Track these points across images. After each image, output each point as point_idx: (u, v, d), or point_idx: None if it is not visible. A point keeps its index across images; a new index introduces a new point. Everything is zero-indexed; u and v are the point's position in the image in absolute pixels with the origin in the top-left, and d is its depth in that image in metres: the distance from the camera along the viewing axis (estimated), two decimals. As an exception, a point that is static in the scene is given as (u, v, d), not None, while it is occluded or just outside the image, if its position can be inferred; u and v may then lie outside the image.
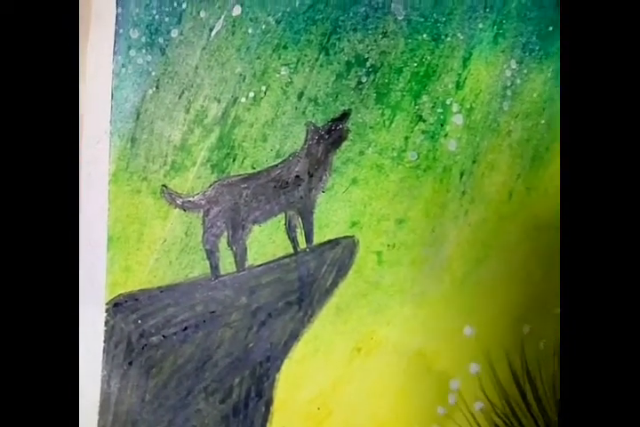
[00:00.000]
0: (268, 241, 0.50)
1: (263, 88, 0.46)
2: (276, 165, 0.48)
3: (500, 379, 0.60)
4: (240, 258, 0.49)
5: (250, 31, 0.45)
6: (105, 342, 0.47)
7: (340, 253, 0.52)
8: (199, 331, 0.49)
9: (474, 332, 0.58)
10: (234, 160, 0.47)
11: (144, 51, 0.43)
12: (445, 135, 0.52)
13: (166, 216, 0.46)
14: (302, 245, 0.51)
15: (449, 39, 0.50)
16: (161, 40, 0.43)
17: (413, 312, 0.56)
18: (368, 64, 0.48)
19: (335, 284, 0.53)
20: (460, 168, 0.54)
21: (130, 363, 0.48)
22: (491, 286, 0.58)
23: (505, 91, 0.53)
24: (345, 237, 0.52)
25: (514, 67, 0.53)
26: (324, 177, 0.50)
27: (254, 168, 0.48)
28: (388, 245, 0.53)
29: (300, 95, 0.47)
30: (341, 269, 0.52)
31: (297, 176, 0.49)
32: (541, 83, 0.54)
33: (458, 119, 0.52)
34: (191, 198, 0.47)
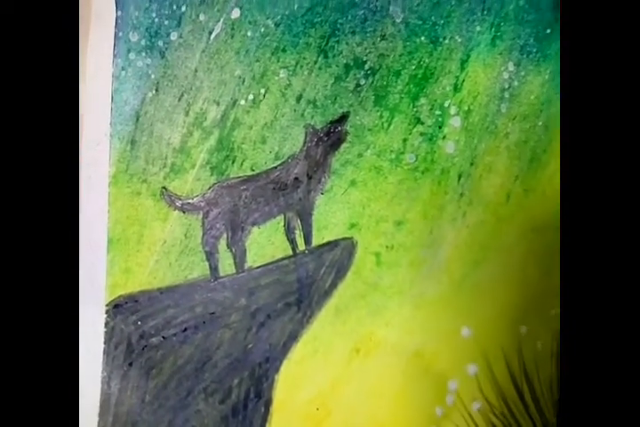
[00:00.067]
0: (267, 243, 0.50)
1: (262, 91, 0.46)
2: (275, 167, 0.48)
3: (498, 379, 0.60)
4: (239, 259, 0.49)
5: (249, 34, 0.45)
6: (105, 343, 0.47)
7: (339, 255, 0.52)
8: (199, 332, 0.49)
9: (472, 333, 0.58)
10: (233, 162, 0.47)
11: (144, 54, 0.43)
12: (443, 137, 0.52)
13: (166, 218, 0.46)
14: (301, 246, 0.51)
15: (447, 42, 0.50)
16: (160, 43, 0.43)
17: (412, 313, 0.56)
18: (366, 67, 0.49)
19: (334, 285, 0.53)
20: (458, 170, 0.54)
21: (130, 364, 0.48)
22: (488, 287, 0.58)
23: (502, 93, 0.53)
24: (344, 239, 0.52)
25: (511, 69, 0.53)
26: (322, 179, 0.50)
27: (253, 170, 0.48)
28: (387, 247, 0.53)
29: (299, 98, 0.48)
30: (340, 271, 0.52)
31: (296, 178, 0.49)
32: (539, 85, 0.54)
33: (456, 121, 0.52)
34: (191, 200, 0.47)
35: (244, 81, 0.46)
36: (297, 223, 0.50)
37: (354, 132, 0.50)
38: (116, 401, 0.48)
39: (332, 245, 0.52)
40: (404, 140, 0.52)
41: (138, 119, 0.44)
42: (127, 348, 0.48)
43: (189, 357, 0.49)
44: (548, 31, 0.54)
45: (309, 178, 0.50)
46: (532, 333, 0.60)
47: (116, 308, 0.47)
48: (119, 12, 0.42)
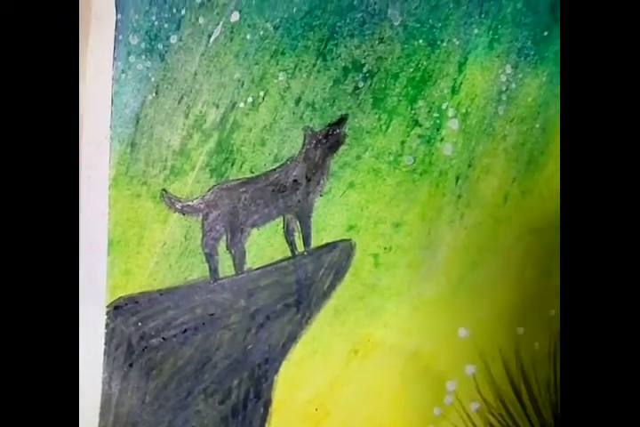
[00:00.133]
0: (266, 244, 0.50)
1: (261, 93, 0.47)
2: (275, 170, 0.48)
3: (496, 380, 0.60)
4: (239, 261, 0.49)
5: (248, 37, 0.45)
6: (105, 344, 0.47)
7: (338, 256, 0.52)
8: (198, 333, 0.49)
9: (470, 334, 0.58)
10: (232, 164, 0.47)
11: (143, 57, 0.43)
12: (441, 140, 0.52)
13: (166, 220, 0.46)
14: (300, 248, 0.51)
15: (445, 44, 0.50)
16: (160, 46, 0.43)
17: (410, 314, 0.55)
18: (365, 69, 0.49)
19: (333, 286, 0.53)
20: (456, 172, 0.54)
21: (130, 365, 0.48)
22: (486, 288, 0.58)
23: (500, 95, 0.53)
24: (342, 241, 0.52)
25: (509, 71, 0.53)
26: (321, 181, 0.50)
27: (253, 172, 0.48)
28: (385, 248, 0.53)
29: (298, 100, 0.48)
30: (339, 272, 0.52)
31: (295, 180, 0.49)
32: (536, 87, 0.54)
33: (453, 124, 0.52)
34: (190, 202, 0.47)
35: (243, 84, 0.46)
36: (296, 225, 0.50)
37: (352, 135, 0.50)
38: (116, 402, 0.48)
39: (330, 246, 0.52)
40: (402, 143, 0.52)
41: (138, 122, 0.44)
42: (127, 349, 0.48)
43: (189, 358, 0.49)
44: (546, 34, 0.54)
45: (308, 180, 0.50)
46: (529, 334, 0.60)
47: (117, 309, 0.47)
48: (119, 15, 0.42)
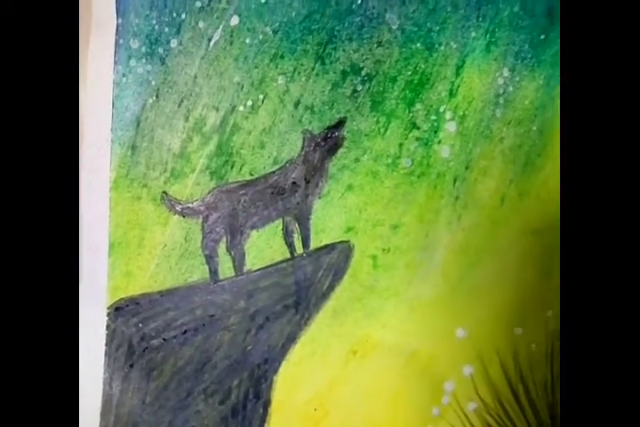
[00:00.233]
0: (265, 246, 0.50)
1: (261, 97, 0.47)
2: (274, 172, 0.49)
3: (493, 380, 0.60)
4: (238, 263, 0.49)
5: (247, 41, 0.45)
6: (106, 345, 0.47)
7: (336, 258, 0.52)
8: (199, 334, 0.49)
9: (467, 334, 0.58)
10: (232, 167, 0.47)
11: (144, 60, 0.43)
12: (439, 142, 0.53)
13: (166, 222, 0.47)
14: (299, 249, 0.51)
15: (442, 48, 0.50)
16: (160, 50, 0.43)
17: (408, 315, 0.56)
18: (363, 73, 0.49)
19: (331, 288, 0.53)
20: (454, 174, 0.54)
21: (131, 365, 0.48)
22: (484, 289, 0.58)
23: (497, 98, 0.53)
24: (341, 242, 0.52)
25: (506, 74, 0.53)
26: (320, 183, 0.50)
27: (252, 175, 0.48)
28: (383, 250, 0.53)
29: (297, 103, 0.48)
30: (337, 274, 0.53)
31: (294, 182, 0.49)
32: (533, 90, 0.55)
33: (451, 126, 0.52)
34: (190, 205, 0.47)
35: (242, 87, 0.46)
36: (295, 227, 0.50)
37: (351, 138, 0.50)
38: (117, 402, 0.48)
39: (329, 248, 0.52)
40: (400, 145, 0.52)
41: (138, 125, 0.44)
42: (128, 350, 0.48)
43: (189, 358, 0.50)
44: (542, 37, 0.54)
45: (307, 182, 0.50)
46: (526, 334, 0.60)
47: (118, 310, 0.47)
48: (120, 20, 0.42)
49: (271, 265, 0.50)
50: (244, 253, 0.49)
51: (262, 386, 0.53)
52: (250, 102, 0.46)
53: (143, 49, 0.43)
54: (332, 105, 0.49)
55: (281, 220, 0.50)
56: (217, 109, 0.46)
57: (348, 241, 0.52)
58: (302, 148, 0.49)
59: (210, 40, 0.44)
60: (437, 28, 0.50)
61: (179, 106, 0.45)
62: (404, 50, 0.49)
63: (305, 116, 0.48)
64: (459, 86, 0.52)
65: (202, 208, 0.47)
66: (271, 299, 0.51)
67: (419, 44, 0.50)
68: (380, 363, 0.56)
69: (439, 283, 0.56)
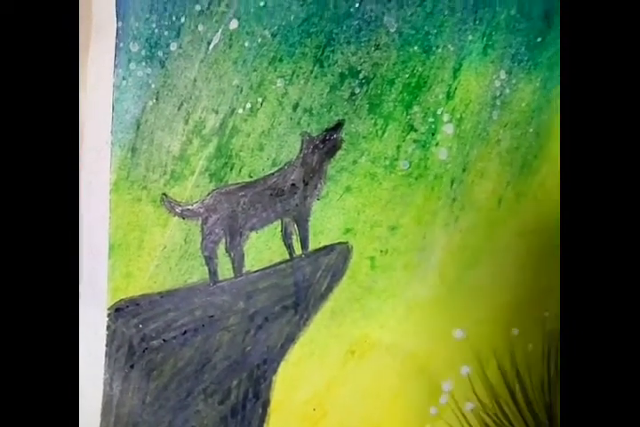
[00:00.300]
0: (264, 247, 0.50)
1: (259, 99, 0.47)
2: (273, 174, 0.49)
3: (491, 380, 0.60)
4: (238, 264, 0.49)
5: (246, 44, 0.45)
6: (107, 345, 0.47)
7: (335, 259, 0.52)
8: (198, 335, 0.49)
9: (465, 335, 0.58)
10: (231, 169, 0.48)
11: (144, 64, 0.43)
12: (436, 144, 0.53)
13: (166, 224, 0.47)
14: (298, 251, 0.51)
15: (439, 51, 0.51)
16: (160, 53, 0.44)
17: (406, 316, 0.56)
18: (361, 76, 0.49)
19: (330, 288, 0.53)
20: (451, 176, 0.54)
21: (131, 366, 0.48)
22: (481, 290, 0.58)
23: (494, 100, 0.53)
24: (339, 244, 0.52)
25: (503, 77, 0.53)
26: (318, 185, 0.50)
27: (251, 177, 0.48)
28: (381, 251, 0.53)
29: (296, 106, 0.48)
30: (336, 275, 0.53)
31: (293, 184, 0.50)
32: (530, 92, 0.55)
33: (448, 129, 0.53)
34: (190, 206, 0.47)
35: (241, 90, 0.46)
36: (294, 228, 0.51)
37: (349, 140, 0.50)
38: (117, 402, 0.48)
39: (327, 249, 0.52)
40: (398, 147, 0.52)
41: (138, 127, 0.45)
42: (128, 350, 0.48)
43: (189, 359, 0.50)
44: (539, 40, 0.54)
45: (306, 184, 0.50)
46: (523, 335, 0.60)
47: (118, 311, 0.47)
48: (120, 23, 0.42)
49: (270, 266, 0.51)
50: (244, 255, 0.50)
51: (261, 386, 0.53)
52: (249, 105, 0.47)
53: (143, 52, 0.43)
54: (331, 107, 0.49)
55: (280, 221, 0.50)
56: (216, 112, 0.46)
57: (347, 242, 0.52)
58: (301, 150, 0.49)
59: (209, 43, 0.45)
60: (435, 31, 0.50)
61: (178, 109, 0.45)
62: (401, 53, 0.50)
63: (303, 119, 0.48)
64: (456, 89, 0.52)
65: (201, 210, 0.47)
66: (270, 300, 0.51)
67: (416, 47, 0.50)
68: (378, 363, 0.56)
69: (437, 284, 0.56)
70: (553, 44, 0.54)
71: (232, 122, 0.47)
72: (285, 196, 0.50)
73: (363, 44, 0.48)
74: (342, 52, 0.48)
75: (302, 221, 0.51)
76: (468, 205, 0.55)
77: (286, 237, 0.51)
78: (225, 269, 0.49)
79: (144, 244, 0.47)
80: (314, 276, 0.52)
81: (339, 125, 0.49)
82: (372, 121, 0.50)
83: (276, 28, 0.46)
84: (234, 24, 0.45)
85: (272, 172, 0.49)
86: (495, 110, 0.54)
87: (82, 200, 0.44)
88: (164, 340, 0.49)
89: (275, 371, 0.53)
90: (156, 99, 0.44)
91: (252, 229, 0.49)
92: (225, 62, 0.45)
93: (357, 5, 0.48)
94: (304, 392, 0.54)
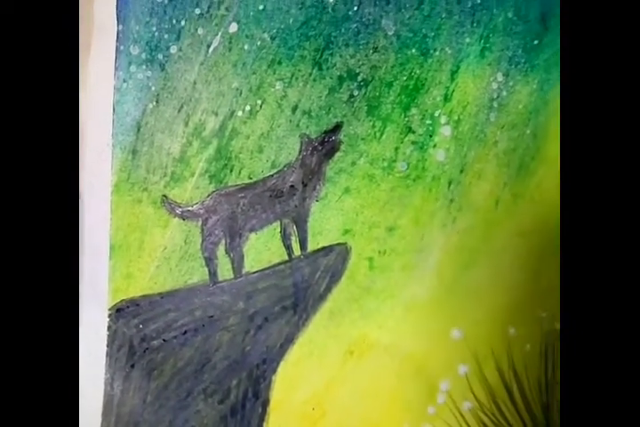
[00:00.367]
0: (264, 248, 0.50)
1: (259, 102, 0.47)
2: (272, 176, 0.49)
3: (488, 379, 0.60)
4: (237, 265, 0.50)
5: (246, 47, 0.45)
6: (108, 345, 0.47)
7: (334, 260, 0.52)
8: (198, 335, 0.50)
9: (462, 334, 0.58)
10: (231, 171, 0.48)
11: (144, 66, 0.43)
12: (434, 146, 0.53)
13: (166, 225, 0.47)
14: (297, 252, 0.51)
15: (437, 53, 0.51)
16: (160, 56, 0.44)
17: (404, 316, 0.56)
18: (359, 78, 0.49)
19: (329, 289, 0.53)
20: (449, 177, 0.54)
21: (132, 366, 0.48)
22: (478, 290, 0.58)
23: (491, 102, 0.54)
24: (338, 244, 0.52)
25: (500, 79, 0.54)
26: (317, 187, 0.50)
27: (251, 178, 0.48)
28: (379, 252, 0.54)
29: (295, 108, 0.48)
30: (334, 275, 0.53)
31: (292, 186, 0.50)
32: (527, 94, 0.55)
33: (446, 130, 0.53)
34: (190, 208, 0.47)
35: (241, 93, 0.46)
36: (293, 229, 0.51)
37: (347, 142, 0.50)
38: (118, 402, 0.48)
39: (326, 250, 0.52)
40: (396, 149, 0.52)
41: (139, 130, 0.44)
42: (129, 350, 0.48)
43: (189, 359, 0.50)
44: (536, 42, 0.54)
45: (305, 186, 0.50)
46: (520, 334, 0.60)
47: (119, 312, 0.47)
48: (120, 27, 0.42)
49: (269, 267, 0.51)
50: (243, 256, 0.50)
51: (261, 386, 0.53)
52: (248, 107, 0.47)
53: (143, 55, 0.43)
54: (329, 110, 0.49)
55: (279, 222, 0.50)
56: (216, 114, 0.46)
57: (345, 243, 0.52)
58: (300, 152, 0.49)
59: (209, 46, 0.45)
60: (432, 34, 0.50)
61: (178, 111, 0.45)
62: (399, 55, 0.50)
63: (302, 121, 0.49)
64: (453, 91, 0.52)
65: (201, 211, 0.48)
66: (269, 300, 0.51)
67: (414, 50, 0.50)
68: (377, 363, 0.56)
69: (434, 284, 0.56)
70: (549, 47, 0.55)
71: (232, 124, 0.47)
72: (284, 197, 0.50)
73: (361, 47, 0.49)
74: (341, 55, 0.48)
75: (301, 223, 0.51)
76: (466, 207, 0.56)
77: (285, 238, 0.51)
78: (225, 270, 0.49)
79: (144, 245, 0.47)
80: (313, 276, 0.52)
81: (337, 127, 0.50)
82: (371, 123, 0.51)
83: (275, 31, 0.46)
84: (233, 27, 0.45)
85: (271, 173, 0.49)
86: (492, 112, 0.54)
87: (83, 202, 0.44)
88: (164, 340, 0.49)
89: (274, 371, 0.53)
90: (157, 101, 0.44)
91: (251, 230, 0.49)
92: (224, 65, 0.45)
93: (356, 9, 0.48)
94: (303, 392, 0.54)
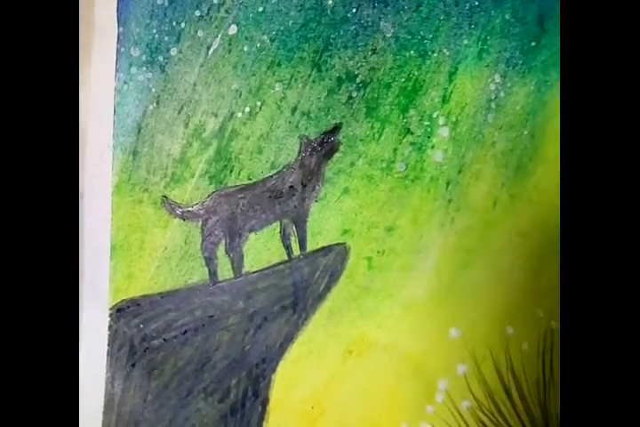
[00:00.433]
0: (263, 248, 0.50)
1: (258, 103, 0.47)
2: (271, 176, 0.49)
3: (486, 379, 0.60)
4: (237, 265, 0.50)
5: (245, 49, 0.46)
6: (108, 345, 0.47)
7: (333, 260, 0.52)
8: (198, 334, 0.50)
9: (461, 334, 0.58)
10: (231, 172, 0.48)
11: (145, 68, 0.44)
12: (432, 147, 0.53)
13: (166, 225, 0.47)
14: (296, 252, 0.51)
15: (435, 55, 0.51)
16: (161, 58, 0.44)
17: (402, 315, 0.56)
18: (358, 80, 0.49)
19: (328, 289, 0.53)
20: (447, 178, 0.54)
21: (132, 365, 0.48)
22: (476, 290, 0.58)
23: (489, 104, 0.54)
24: (337, 244, 0.52)
25: (498, 81, 0.54)
26: (316, 187, 0.51)
27: (250, 179, 0.49)
28: (378, 252, 0.54)
29: (294, 110, 0.48)
30: (333, 275, 0.53)
31: (291, 186, 0.50)
32: (524, 95, 0.55)
33: (444, 131, 0.53)
34: (190, 208, 0.47)
35: (240, 94, 0.46)
36: (292, 230, 0.51)
37: (346, 143, 0.50)
38: (119, 401, 0.49)
39: (325, 250, 0.52)
40: (395, 150, 0.52)
41: (139, 131, 0.45)
42: (130, 350, 0.48)
43: (189, 358, 0.50)
44: (533, 44, 0.54)
45: (304, 186, 0.50)
46: (518, 333, 0.60)
47: (119, 312, 0.47)
48: (121, 29, 0.42)
49: (269, 267, 0.51)
50: (243, 256, 0.50)
51: (261, 385, 0.53)
52: (248, 109, 0.47)
53: (144, 57, 0.43)
54: (328, 111, 0.49)
55: (278, 223, 0.50)
56: (216, 116, 0.46)
57: (344, 243, 0.53)
58: (299, 153, 0.49)
59: (209, 48, 0.45)
60: (430, 35, 0.50)
61: (179, 112, 0.45)
62: (397, 57, 0.50)
63: (301, 122, 0.49)
64: (451, 92, 0.52)
65: (201, 212, 0.48)
66: (269, 300, 0.51)
67: (412, 52, 0.50)
68: (376, 362, 0.56)
69: (433, 284, 0.56)
70: (547, 48, 0.55)
71: (231, 125, 0.47)
72: (284, 198, 0.50)
73: (360, 49, 0.49)
74: (340, 57, 0.48)
75: (300, 223, 0.51)
76: (464, 207, 0.56)
77: (285, 238, 0.51)
78: (225, 270, 0.50)
79: (145, 245, 0.47)
80: (312, 276, 0.52)
81: (336, 129, 0.50)
82: (369, 124, 0.51)
83: (274, 33, 0.46)
84: (233, 29, 0.45)
85: (271, 174, 0.49)
86: (490, 113, 0.54)
87: (84, 202, 0.44)
88: (164, 339, 0.49)
89: (274, 370, 0.53)
90: (157, 103, 0.45)
91: (251, 230, 0.50)
92: (224, 67, 0.45)
93: (354, 11, 0.48)
94: (303, 391, 0.55)
